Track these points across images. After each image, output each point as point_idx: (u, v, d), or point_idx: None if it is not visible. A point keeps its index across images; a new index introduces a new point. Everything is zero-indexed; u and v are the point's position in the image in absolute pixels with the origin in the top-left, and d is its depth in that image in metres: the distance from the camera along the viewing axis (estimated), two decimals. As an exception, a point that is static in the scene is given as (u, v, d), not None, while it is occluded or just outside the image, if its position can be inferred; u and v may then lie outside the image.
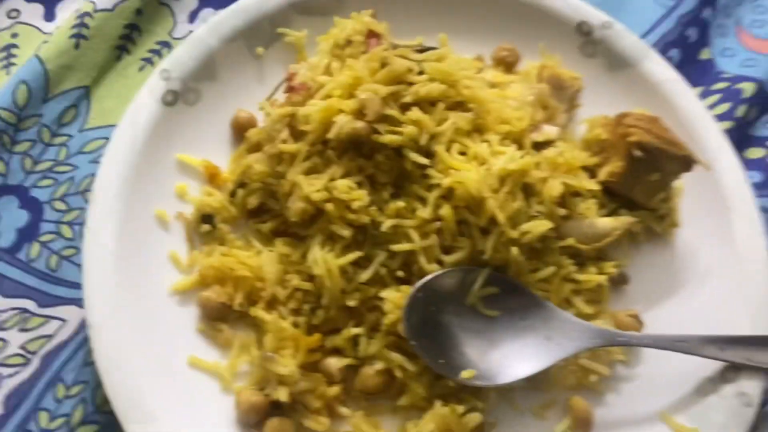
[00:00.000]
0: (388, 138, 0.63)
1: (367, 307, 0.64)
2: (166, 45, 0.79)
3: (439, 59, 0.66)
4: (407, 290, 0.63)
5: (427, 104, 0.65)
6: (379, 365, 0.63)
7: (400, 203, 0.64)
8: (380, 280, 0.64)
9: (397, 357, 0.63)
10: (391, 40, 0.69)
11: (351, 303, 0.63)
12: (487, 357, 0.63)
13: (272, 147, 0.66)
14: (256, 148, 0.70)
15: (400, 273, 0.64)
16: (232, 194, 0.68)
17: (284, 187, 0.65)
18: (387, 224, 0.63)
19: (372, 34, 0.68)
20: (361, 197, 0.63)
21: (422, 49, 0.67)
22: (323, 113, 0.64)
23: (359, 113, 0.63)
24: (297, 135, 0.66)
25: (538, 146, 0.70)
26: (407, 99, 0.64)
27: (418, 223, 0.63)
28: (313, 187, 0.63)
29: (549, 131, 0.70)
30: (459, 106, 0.66)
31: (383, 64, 0.65)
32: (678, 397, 0.65)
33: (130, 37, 0.77)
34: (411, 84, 0.64)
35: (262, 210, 0.69)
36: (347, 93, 0.65)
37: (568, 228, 0.68)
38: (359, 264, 0.64)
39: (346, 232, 0.63)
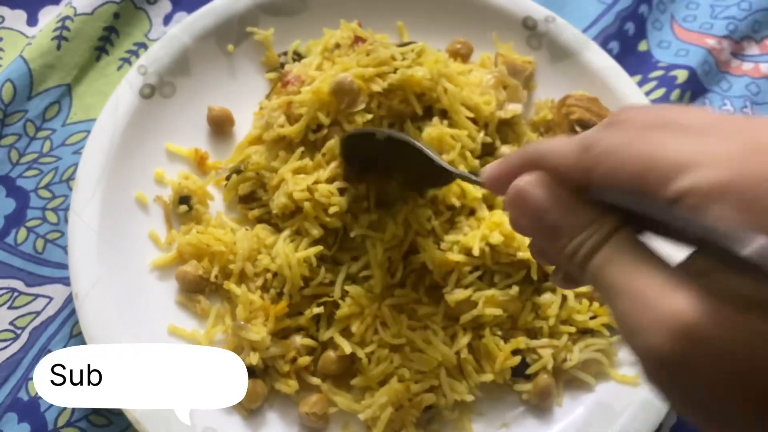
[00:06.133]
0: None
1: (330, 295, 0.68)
2: (143, 46, 0.84)
3: (419, 53, 0.71)
4: (363, 297, 0.67)
5: (412, 95, 0.69)
6: (339, 351, 0.66)
7: (374, 216, 0.68)
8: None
9: (347, 344, 0.66)
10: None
11: (311, 292, 0.68)
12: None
13: (271, 132, 0.71)
14: (257, 140, 0.75)
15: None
16: (228, 178, 0.74)
17: (274, 181, 0.70)
18: (356, 231, 0.68)
19: (358, 39, 0.74)
20: (339, 203, 0.67)
21: (403, 45, 0.73)
22: (313, 95, 0.69)
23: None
24: (293, 121, 0.71)
25: (504, 123, 0.76)
26: (392, 81, 0.68)
27: (387, 238, 0.68)
28: (298, 186, 0.68)
29: (513, 108, 0.76)
30: (437, 102, 0.71)
31: (368, 53, 0.70)
32: (621, 351, 0.71)
33: (108, 38, 0.83)
34: (395, 71, 0.69)
35: (251, 198, 0.73)
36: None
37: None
38: (324, 260, 0.68)
39: (315, 232, 0.67)
